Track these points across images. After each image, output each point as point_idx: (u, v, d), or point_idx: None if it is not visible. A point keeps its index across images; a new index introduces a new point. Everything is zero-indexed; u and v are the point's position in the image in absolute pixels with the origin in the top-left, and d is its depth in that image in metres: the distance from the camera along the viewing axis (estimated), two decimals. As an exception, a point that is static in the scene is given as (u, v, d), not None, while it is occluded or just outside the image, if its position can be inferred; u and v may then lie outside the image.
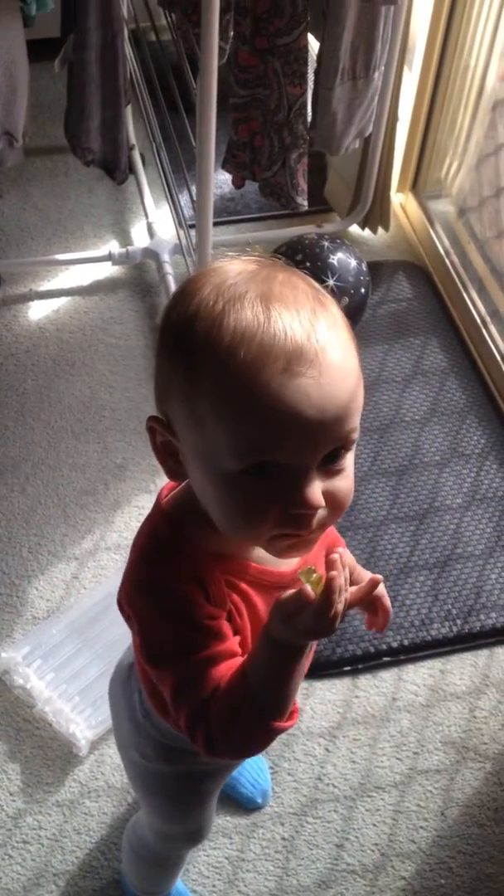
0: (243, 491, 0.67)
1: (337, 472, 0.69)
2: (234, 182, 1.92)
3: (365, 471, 1.78)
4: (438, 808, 1.40)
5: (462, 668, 1.55)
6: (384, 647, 1.55)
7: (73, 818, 1.35)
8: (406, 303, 2.10)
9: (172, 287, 1.98)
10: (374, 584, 0.72)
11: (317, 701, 1.49)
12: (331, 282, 1.81)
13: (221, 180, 2.17)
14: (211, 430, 0.66)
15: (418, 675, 1.53)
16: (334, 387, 0.65)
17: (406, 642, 1.56)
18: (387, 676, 1.53)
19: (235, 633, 0.75)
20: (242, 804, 1.37)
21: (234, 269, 0.68)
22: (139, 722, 0.94)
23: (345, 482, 0.70)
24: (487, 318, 2.03)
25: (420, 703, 1.50)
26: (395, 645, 1.55)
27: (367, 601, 0.83)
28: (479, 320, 2.02)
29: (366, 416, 1.88)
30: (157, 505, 0.79)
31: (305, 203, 1.87)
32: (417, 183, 2.28)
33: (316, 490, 0.67)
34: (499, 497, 1.78)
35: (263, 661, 0.71)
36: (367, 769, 1.43)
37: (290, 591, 0.68)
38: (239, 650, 0.75)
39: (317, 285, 0.70)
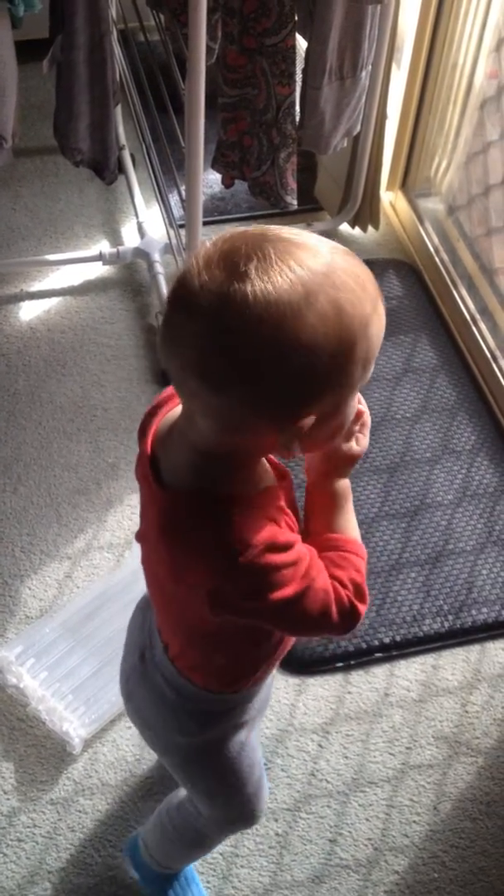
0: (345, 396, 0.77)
1: None
2: (223, 181, 1.93)
3: (357, 468, 1.79)
4: (431, 802, 1.41)
5: (454, 664, 1.56)
6: (376, 643, 1.56)
7: (67, 816, 1.36)
8: (396, 301, 2.12)
9: (163, 287, 1.99)
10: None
11: (309, 697, 1.50)
12: (321, 280, 1.82)
13: (211, 179, 2.18)
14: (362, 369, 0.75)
15: (410, 671, 1.55)
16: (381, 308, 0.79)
17: (398, 638, 1.57)
18: (379, 672, 1.54)
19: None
20: None
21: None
22: (171, 703, 0.96)
23: None
24: (477, 315, 2.04)
25: (412, 699, 1.51)
26: (387, 641, 1.56)
27: None
28: (468, 317, 2.04)
29: (357, 413, 1.89)
30: (174, 495, 0.79)
31: (295, 202, 1.88)
32: (407, 181, 2.29)
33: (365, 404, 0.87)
34: (489, 493, 1.79)
35: (336, 512, 0.87)
36: (359, 764, 1.44)
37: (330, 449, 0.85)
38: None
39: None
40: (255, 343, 0.68)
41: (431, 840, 1.38)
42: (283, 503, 0.82)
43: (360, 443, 0.87)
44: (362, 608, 0.84)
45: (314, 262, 0.70)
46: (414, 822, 1.39)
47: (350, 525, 0.88)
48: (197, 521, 0.78)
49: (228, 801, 1.07)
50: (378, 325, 0.76)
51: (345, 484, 0.88)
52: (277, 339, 0.68)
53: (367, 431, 0.88)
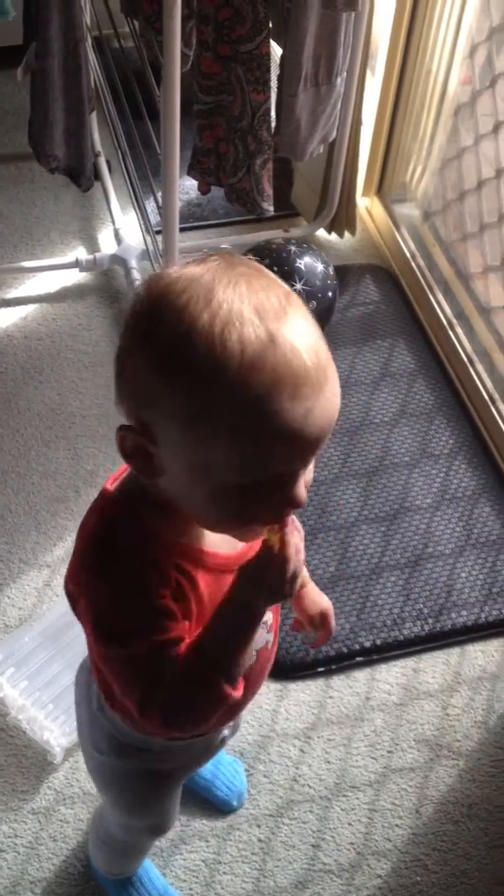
0: (238, 499, 0.70)
1: (305, 470, 0.73)
2: (200, 188, 1.94)
3: (336, 473, 1.80)
4: (413, 805, 1.42)
5: (434, 667, 1.57)
6: (357, 647, 1.56)
7: (48, 825, 1.35)
8: (373, 306, 2.13)
9: (140, 293, 1.98)
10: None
11: (291, 702, 1.50)
12: (298, 286, 1.83)
13: (188, 186, 2.18)
14: (212, 450, 0.67)
15: (391, 675, 1.55)
16: (332, 402, 0.69)
17: (378, 642, 1.57)
18: (360, 676, 1.55)
19: (183, 615, 0.77)
20: (218, 806, 1.38)
21: (204, 273, 0.68)
22: (94, 714, 0.95)
23: (311, 473, 0.75)
24: (453, 320, 2.06)
25: (393, 702, 1.52)
26: (367, 645, 1.57)
27: (318, 620, 1.00)
28: (445, 322, 2.06)
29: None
30: (104, 493, 0.80)
31: (271, 208, 1.89)
32: (383, 187, 2.31)
33: (303, 489, 0.72)
34: (468, 496, 1.80)
35: (223, 625, 0.76)
36: (341, 769, 1.44)
37: (255, 553, 0.75)
38: (186, 632, 0.77)
39: (279, 280, 0.72)
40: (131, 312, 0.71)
41: (414, 843, 1.39)
42: (199, 582, 0.77)
43: (279, 565, 0.74)
44: (149, 720, 0.76)
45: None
46: (396, 825, 1.40)
47: (216, 633, 0.76)
48: (90, 511, 0.80)
49: (130, 818, 1.09)
50: (293, 415, 0.65)
51: (247, 611, 0.76)
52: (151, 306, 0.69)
53: (291, 563, 0.74)
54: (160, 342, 0.67)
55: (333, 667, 1.55)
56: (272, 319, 0.66)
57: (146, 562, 0.75)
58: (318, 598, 1.02)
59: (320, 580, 1.64)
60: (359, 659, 1.56)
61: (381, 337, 2.06)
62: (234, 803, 1.38)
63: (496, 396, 1.93)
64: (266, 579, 0.74)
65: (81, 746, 1.04)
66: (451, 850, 1.39)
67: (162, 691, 0.75)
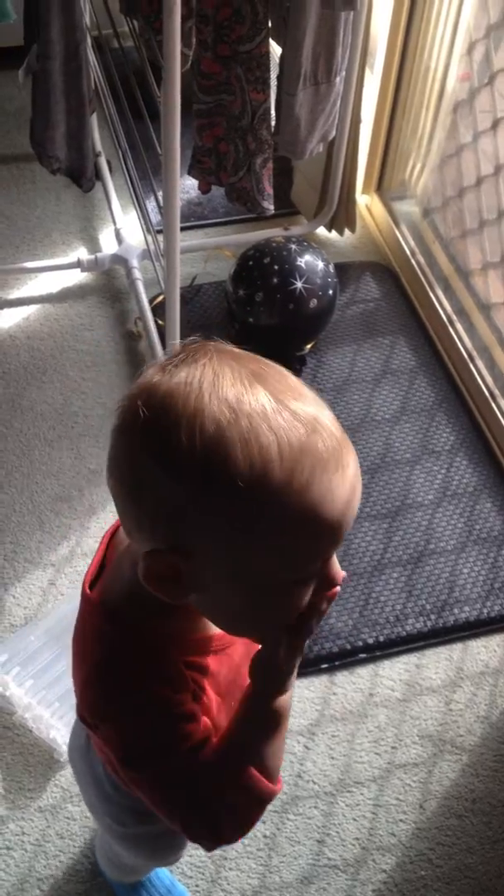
0: (291, 596, 0.67)
1: None
2: (200, 187, 1.94)
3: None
4: (417, 800, 1.43)
5: (437, 663, 1.58)
6: (360, 643, 1.57)
7: (55, 823, 1.36)
8: (374, 303, 2.13)
9: (142, 292, 1.99)
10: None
11: (295, 699, 1.51)
12: (299, 284, 1.83)
13: (188, 185, 2.19)
14: (262, 557, 0.63)
15: (394, 671, 1.56)
16: (359, 474, 0.67)
17: (381, 638, 1.58)
18: (363, 673, 1.55)
19: (204, 711, 0.74)
20: None
21: (203, 374, 0.63)
22: (108, 794, 0.93)
23: None
24: (454, 317, 2.06)
25: (397, 698, 1.53)
26: (370, 641, 1.57)
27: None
28: (445, 319, 2.06)
29: (337, 415, 1.89)
30: (89, 601, 0.74)
31: (272, 207, 1.89)
32: (382, 184, 2.31)
33: (339, 567, 0.69)
34: (469, 492, 1.81)
35: (255, 726, 0.73)
36: (346, 765, 1.45)
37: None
38: (211, 728, 0.74)
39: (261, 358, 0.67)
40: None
41: (418, 838, 1.39)
42: (209, 667, 0.75)
43: (288, 653, 0.71)
44: (201, 838, 0.74)
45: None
46: (400, 820, 1.41)
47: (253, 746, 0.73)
48: (85, 629, 0.75)
49: (146, 862, 1.11)
50: (340, 493, 0.63)
51: (277, 703, 0.74)
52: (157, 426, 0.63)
53: (299, 644, 0.71)
54: (186, 455, 0.60)
55: (336, 663, 1.55)
56: (291, 401, 0.62)
57: (159, 679, 0.71)
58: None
59: (323, 577, 1.64)
60: (362, 655, 1.57)
61: (382, 334, 2.07)
62: None
63: (496, 393, 1.93)
64: (289, 664, 0.72)
65: (97, 821, 1.02)
66: (456, 844, 1.39)
67: (205, 808, 0.72)
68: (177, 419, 0.61)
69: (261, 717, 0.73)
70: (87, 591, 0.75)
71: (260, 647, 0.74)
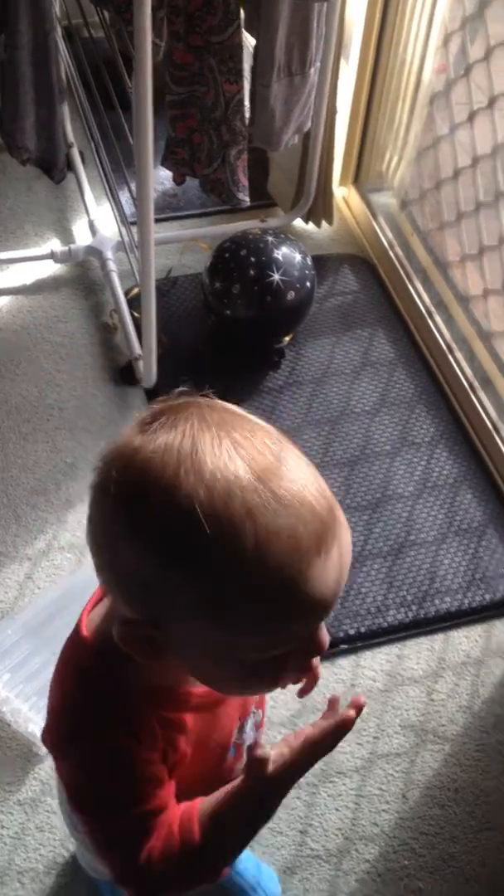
0: (263, 671, 0.67)
1: None
2: (174, 178, 1.97)
3: (317, 463, 1.82)
4: (400, 790, 1.46)
5: (419, 653, 1.61)
6: (341, 634, 1.60)
7: (35, 816, 1.38)
8: (352, 295, 2.17)
9: (117, 284, 2.01)
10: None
11: (276, 690, 1.53)
12: (276, 276, 1.87)
13: (163, 176, 2.22)
14: (236, 635, 0.64)
15: (376, 661, 1.59)
16: (348, 537, 0.66)
17: (363, 629, 1.61)
18: (345, 664, 1.58)
19: (171, 768, 0.75)
20: None
21: (182, 439, 0.62)
22: (75, 830, 0.95)
23: None
24: (432, 309, 2.11)
25: (378, 689, 1.56)
26: (352, 632, 1.61)
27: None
28: (424, 311, 2.10)
29: (317, 408, 1.94)
30: (80, 636, 0.75)
31: (247, 199, 1.93)
32: (359, 176, 2.36)
33: (325, 633, 0.69)
34: (449, 484, 1.85)
35: (239, 820, 0.75)
36: (328, 756, 1.47)
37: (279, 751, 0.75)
38: (172, 796, 0.75)
39: (254, 418, 0.67)
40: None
41: (401, 828, 1.43)
42: (187, 724, 0.75)
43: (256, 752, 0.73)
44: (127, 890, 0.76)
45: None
46: (383, 810, 1.44)
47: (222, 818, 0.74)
48: (68, 660, 0.77)
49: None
50: (321, 574, 0.62)
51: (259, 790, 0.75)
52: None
53: (284, 749, 0.75)
54: (157, 530, 0.61)
55: (318, 654, 1.58)
56: (272, 476, 0.61)
57: (129, 732, 0.72)
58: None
59: (303, 569, 1.67)
60: (343, 646, 1.60)
61: (360, 326, 2.11)
62: None
63: (476, 384, 1.98)
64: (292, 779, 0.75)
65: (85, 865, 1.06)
66: (439, 833, 1.43)
67: (148, 869, 0.72)
68: (150, 494, 0.60)
69: (245, 817, 0.75)
70: (84, 616, 0.76)
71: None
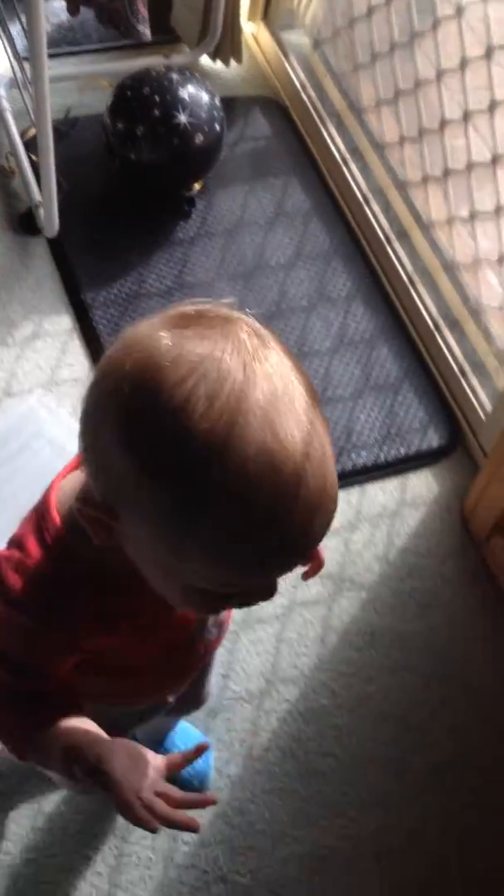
0: (204, 598, 0.68)
1: None
2: (69, 9, 1.85)
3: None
4: (318, 635, 1.52)
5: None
6: (259, 488, 1.62)
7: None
8: (264, 140, 2.11)
9: (12, 124, 1.89)
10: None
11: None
12: (182, 117, 1.79)
13: (58, 7, 2.08)
14: (192, 561, 0.64)
15: (294, 514, 1.62)
16: (330, 517, 0.66)
17: (280, 483, 1.64)
18: (263, 517, 1.61)
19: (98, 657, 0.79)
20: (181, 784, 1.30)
21: (208, 354, 0.60)
22: None
23: None
24: (347, 156, 2.06)
25: (296, 540, 1.60)
26: (269, 486, 1.63)
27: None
28: (339, 158, 2.06)
29: (230, 262, 1.90)
30: (50, 520, 0.75)
31: (147, 32, 1.82)
32: (269, 12, 2.25)
33: (276, 585, 0.71)
34: (366, 339, 1.86)
35: (56, 752, 0.76)
36: (247, 608, 1.52)
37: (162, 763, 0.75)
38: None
39: (295, 369, 0.66)
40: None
41: (320, 670, 1.49)
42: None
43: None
44: None
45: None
46: (303, 654, 1.50)
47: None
48: (30, 526, 0.77)
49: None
50: (296, 525, 0.63)
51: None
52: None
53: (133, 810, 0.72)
54: (149, 437, 0.61)
55: (236, 509, 1.60)
56: (286, 418, 0.60)
57: (57, 606, 0.74)
58: None
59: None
60: (261, 500, 1.62)
61: (274, 174, 2.05)
62: (195, 783, 1.35)
63: (391, 236, 1.96)
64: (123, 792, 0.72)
65: None
66: (356, 674, 1.50)
67: None
68: (153, 402, 0.60)
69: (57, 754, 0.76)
70: (55, 486, 0.77)
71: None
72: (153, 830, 0.71)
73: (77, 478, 0.76)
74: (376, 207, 2.00)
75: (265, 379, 0.61)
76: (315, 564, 0.96)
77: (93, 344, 1.73)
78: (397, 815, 1.38)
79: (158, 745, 1.32)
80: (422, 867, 1.36)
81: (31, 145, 1.83)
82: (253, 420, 0.59)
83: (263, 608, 1.51)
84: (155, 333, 0.62)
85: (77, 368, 1.70)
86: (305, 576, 0.96)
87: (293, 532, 0.63)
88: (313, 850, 1.33)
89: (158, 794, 0.72)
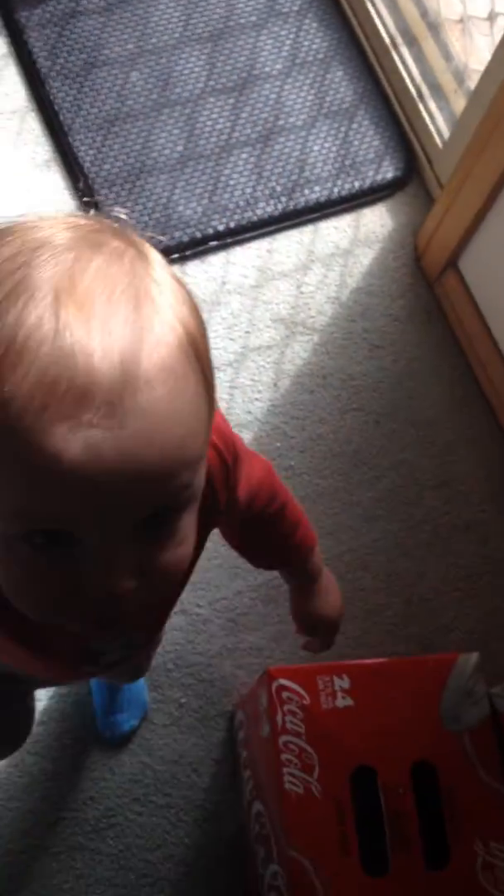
0: (20, 561, 0.54)
1: (160, 541, 0.56)
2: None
3: (177, 38, 1.75)
4: (271, 380, 1.62)
5: (288, 246, 1.70)
6: (211, 231, 1.66)
7: None
8: None
9: None
10: None
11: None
12: None
13: None
14: None
15: (246, 257, 1.68)
16: (147, 438, 0.50)
17: (232, 224, 1.67)
18: (215, 261, 1.66)
19: None
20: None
21: (51, 236, 0.53)
22: None
23: (173, 553, 0.57)
24: None
25: (249, 285, 1.66)
26: (221, 228, 1.66)
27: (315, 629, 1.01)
28: None
29: (169, -32, 1.79)
30: None
31: None
32: None
33: (118, 567, 0.54)
34: (319, 60, 1.81)
35: None
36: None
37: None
38: None
39: (157, 268, 0.55)
40: None
41: (272, 414, 1.61)
42: None
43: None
44: None
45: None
46: (256, 399, 1.61)
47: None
48: None
49: None
50: (57, 443, 0.48)
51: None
52: None
53: None
54: None
55: (187, 253, 1.65)
56: (74, 305, 0.49)
57: None
58: (320, 604, 1.01)
59: (168, 161, 1.67)
60: (213, 243, 1.66)
61: None
62: (106, 735, 1.38)
63: None
64: None
65: None
66: (308, 416, 1.62)
67: None
68: None
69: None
70: None
71: None
72: None
73: None
74: None
75: (112, 261, 0.53)
76: (320, 643, 1.02)
77: (29, 70, 1.67)
78: (348, 543, 1.56)
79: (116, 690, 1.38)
80: (376, 592, 1.56)
81: None
82: (38, 295, 0.50)
83: (219, 355, 1.60)
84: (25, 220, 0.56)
85: (14, 98, 1.65)
86: (304, 646, 1.03)
87: (84, 450, 0.49)
88: (267, 582, 1.51)
89: None
